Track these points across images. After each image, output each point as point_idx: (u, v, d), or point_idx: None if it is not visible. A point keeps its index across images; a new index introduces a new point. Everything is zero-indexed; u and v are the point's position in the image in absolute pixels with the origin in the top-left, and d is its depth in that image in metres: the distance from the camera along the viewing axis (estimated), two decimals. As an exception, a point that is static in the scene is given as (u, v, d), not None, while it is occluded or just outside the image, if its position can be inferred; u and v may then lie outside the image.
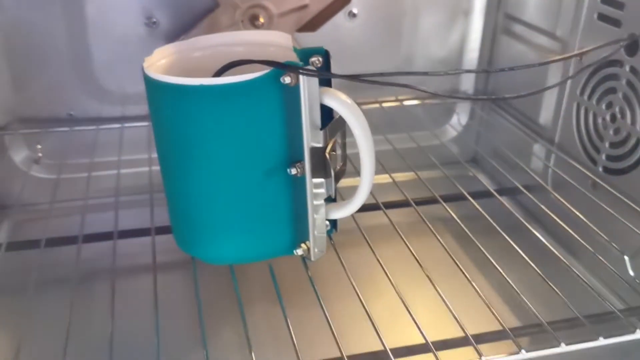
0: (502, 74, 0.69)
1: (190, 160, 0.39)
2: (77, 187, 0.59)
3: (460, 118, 0.73)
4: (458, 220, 0.52)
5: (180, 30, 0.61)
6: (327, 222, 0.43)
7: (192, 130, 0.38)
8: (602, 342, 0.36)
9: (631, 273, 0.44)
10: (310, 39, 0.64)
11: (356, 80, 0.37)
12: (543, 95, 0.60)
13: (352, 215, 0.51)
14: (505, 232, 0.50)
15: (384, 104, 0.70)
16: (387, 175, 0.59)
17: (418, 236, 0.51)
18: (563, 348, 0.36)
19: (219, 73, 0.38)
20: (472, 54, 0.71)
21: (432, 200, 0.58)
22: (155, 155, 0.58)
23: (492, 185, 0.68)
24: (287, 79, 0.37)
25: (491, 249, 0.49)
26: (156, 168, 0.57)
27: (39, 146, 0.63)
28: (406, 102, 0.71)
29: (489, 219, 0.52)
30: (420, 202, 0.60)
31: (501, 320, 0.39)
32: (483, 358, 0.36)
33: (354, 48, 0.68)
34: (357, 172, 0.40)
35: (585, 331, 0.39)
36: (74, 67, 0.61)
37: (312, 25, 0.62)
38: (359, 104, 0.67)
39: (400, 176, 0.63)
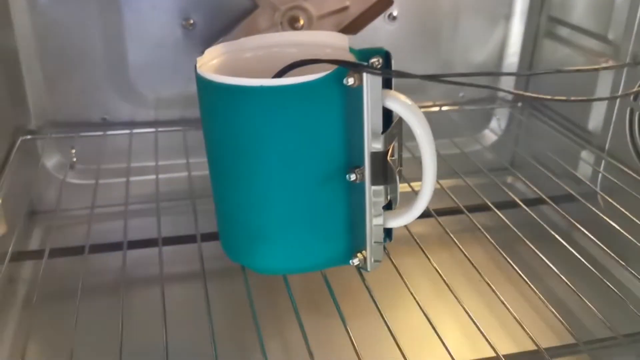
0: (544, 79, 0.67)
1: (244, 164, 0.37)
2: (114, 192, 0.58)
3: (500, 123, 0.71)
4: (514, 228, 0.50)
5: (218, 33, 0.60)
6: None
7: (249, 132, 0.36)
8: None
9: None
10: (351, 42, 0.62)
11: (434, 81, 0.35)
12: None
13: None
14: (549, 241, 0.48)
15: (423, 110, 0.68)
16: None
17: (464, 244, 0.49)
18: None
19: (280, 74, 0.37)
20: (512, 58, 0.69)
21: (474, 208, 0.56)
22: (193, 160, 0.57)
23: (532, 194, 0.66)
24: (350, 80, 0.35)
25: (533, 259, 0.47)
26: (195, 174, 0.56)
27: (73, 150, 0.61)
28: (445, 108, 0.69)
29: (542, 222, 0.50)
30: (456, 211, 0.58)
31: (572, 333, 0.37)
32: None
33: (393, 52, 0.66)
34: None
35: (623, 350, 0.37)
36: (109, 70, 0.60)
37: (353, 27, 0.60)
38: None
39: (443, 183, 0.61)
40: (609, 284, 0.42)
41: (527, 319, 0.41)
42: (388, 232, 0.43)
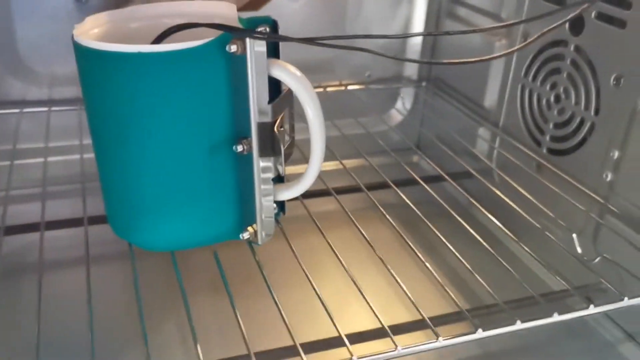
0: (446, 57, 0.69)
1: (126, 136, 0.36)
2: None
3: (405, 103, 0.72)
4: (412, 205, 0.51)
5: (113, 5, 0.57)
6: (275, 205, 0.41)
7: (127, 102, 0.35)
8: (556, 318, 0.36)
9: (579, 250, 0.44)
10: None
11: (312, 44, 0.34)
12: (487, 79, 0.60)
13: (302, 202, 0.49)
14: (451, 216, 0.49)
15: (328, 89, 0.68)
16: (333, 162, 0.58)
17: (366, 222, 0.50)
18: (519, 325, 0.35)
19: (158, 40, 0.35)
20: (416, 39, 0.70)
21: (376, 186, 0.57)
22: (87, 141, 0.55)
23: (437, 172, 0.68)
24: (233, 47, 0.34)
25: (440, 232, 0.48)
26: (88, 156, 0.54)
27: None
28: (350, 87, 0.69)
29: (441, 201, 0.52)
30: (368, 188, 0.59)
31: (456, 302, 0.38)
32: (440, 339, 0.35)
33: (296, 31, 0.65)
34: (305, 159, 0.38)
35: (539, 309, 0.38)
36: (-5, 44, 0.56)
37: (254, 3, 0.60)
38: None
39: (347, 162, 0.62)
40: (496, 255, 0.44)
41: (420, 291, 0.42)
42: (281, 205, 0.43)
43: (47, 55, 0.58)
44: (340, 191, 0.57)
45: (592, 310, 0.37)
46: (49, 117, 0.58)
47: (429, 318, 0.37)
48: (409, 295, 0.39)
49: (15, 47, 0.57)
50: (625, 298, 0.38)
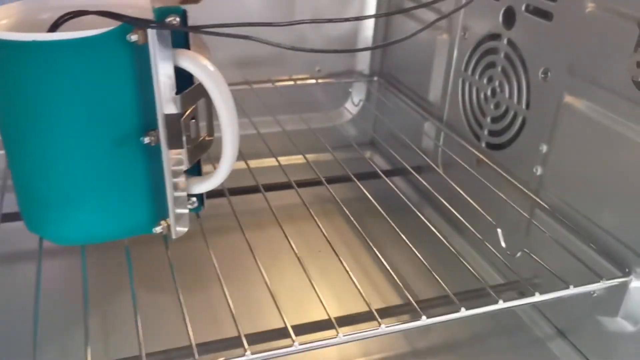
0: (395, 52, 0.68)
1: (30, 127, 0.35)
2: None
3: (354, 99, 0.72)
4: (339, 201, 0.50)
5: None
6: (194, 199, 0.41)
7: (28, 93, 0.34)
8: (463, 313, 0.36)
9: (503, 245, 0.43)
10: (197, 13, 0.61)
11: (197, 32, 0.34)
12: (431, 73, 0.60)
13: (228, 198, 0.49)
14: (397, 213, 0.49)
15: (278, 83, 0.68)
16: (278, 158, 0.57)
17: (307, 219, 0.49)
18: (424, 321, 0.35)
19: (54, 27, 0.35)
20: (367, 32, 0.70)
21: (319, 182, 0.57)
22: None
23: (388, 167, 0.67)
24: (133, 37, 0.34)
25: (380, 230, 0.47)
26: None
27: None
28: (300, 82, 0.69)
29: (372, 199, 0.51)
30: (309, 184, 0.58)
31: (377, 300, 0.38)
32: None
33: (242, 20, 0.65)
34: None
35: (455, 306, 0.38)
36: None
37: (195, -4, 0.59)
38: (251, 83, 0.65)
39: (294, 159, 0.61)
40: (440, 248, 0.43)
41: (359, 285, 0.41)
42: (201, 199, 0.42)
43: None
44: (279, 187, 0.56)
45: (500, 305, 0.36)
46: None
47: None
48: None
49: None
50: (537, 293, 0.37)
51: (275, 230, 0.45)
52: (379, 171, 0.56)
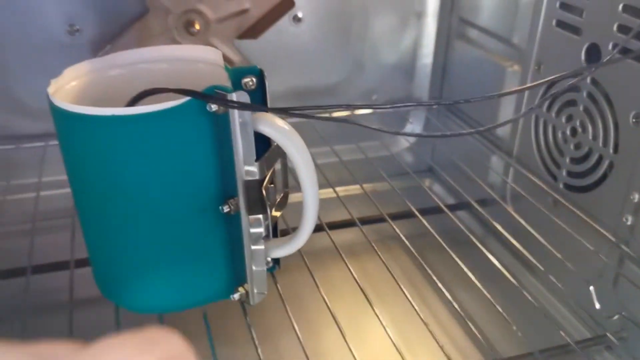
0: (457, 80, 0.66)
1: (106, 199, 0.34)
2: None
3: (414, 128, 0.69)
4: (404, 239, 0.48)
5: (107, 38, 0.56)
6: (269, 259, 0.39)
7: (105, 165, 0.33)
8: None
9: (597, 306, 0.40)
10: (253, 46, 0.59)
11: (285, 114, 0.32)
12: (500, 106, 0.57)
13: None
14: (461, 249, 0.47)
15: (335, 114, 0.66)
16: (332, 190, 0.55)
17: (372, 256, 0.47)
18: None
19: (133, 101, 0.33)
20: (425, 59, 0.67)
21: (382, 219, 0.55)
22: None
23: (449, 199, 0.65)
24: (213, 107, 0.32)
25: (448, 267, 0.45)
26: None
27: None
28: (357, 112, 0.66)
29: (438, 238, 0.49)
30: (371, 220, 0.56)
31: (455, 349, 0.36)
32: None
33: (301, 54, 0.63)
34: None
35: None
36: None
37: (254, 31, 0.57)
38: (307, 116, 0.63)
39: (353, 189, 0.59)
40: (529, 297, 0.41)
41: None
42: (276, 260, 0.40)
43: (40, 89, 0.56)
44: (340, 225, 0.55)
45: None
46: (45, 152, 0.57)
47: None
48: (397, 345, 0.36)
49: (8, 81, 0.55)
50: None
51: (339, 269, 0.43)
52: (443, 206, 0.54)
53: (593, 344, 0.45)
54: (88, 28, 0.55)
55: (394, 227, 0.51)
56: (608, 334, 0.42)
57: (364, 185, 0.57)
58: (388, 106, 0.36)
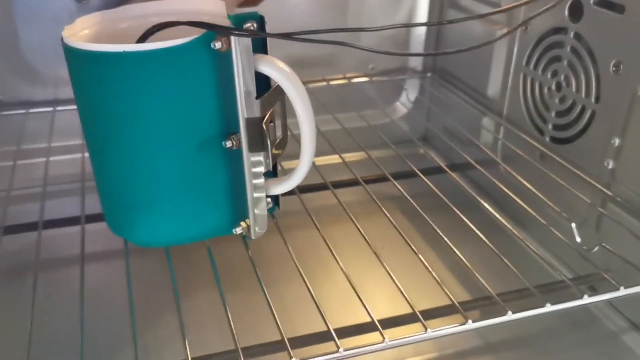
0: (450, 46, 0.68)
1: (116, 135, 0.36)
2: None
3: (409, 95, 0.72)
4: (409, 197, 0.51)
5: (114, 4, 0.58)
6: (269, 199, 0.42)
7: (115, 102, 0.35)
8: (548, 308, 0.36)
9: (578, 240, 0.43)
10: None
11: (288, 39, 0.35)
12: (490, 68, 0.59)
13: (299, 196, 0.49)
14: (456, 208, 0.49)
15: (332, 82, 0.68)
16: (336, 156, 0.58)
17: (368, 215, 0.50)
18: (510, 316, 0.35)
19: (142, 38, 0.36)
20: (420, 29, 0.70)
21: (381, 179, 0.57)
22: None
23: (443, 162, 0.67)
24: (217, 44, 0.34)
25: (443, 225, 0.48)
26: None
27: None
28: (354, 80, 0.69)
29: (440, 193, 0.51)
30: (369, 181, 0.58)
31: (451, 295, 0.38)
32: (429, 331, 0.35)
33: (299, 24, 0.66)
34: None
35: (535, 300, 0.38)
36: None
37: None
38: (307, 83, 0.65)
39: (350, 156, 0.62)
40: (492, 247, 0.43)
41: (416, 285, 0.42)
42: (276, 200, 0.43)
43: (51, 56, 0.59)
44: (341, 185, 0.57)
45: (586, 300, 0.36)
46: (54, 117, 0.59)
47: (421, 311, 0.36)
48: (402, 289, 0.39)
49: (19, 49, 0.58)
50: (622, 287, 0.37)
51: (344, 226, 0.46)
52: (443, 165, 0.56)
53: (580, 283, 0.47)
54: (96, -5, 0.58)
55: (397, 185, 0.53)
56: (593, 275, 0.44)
57: (359, 152, 0.60)
58: (381, 28, 0.37)
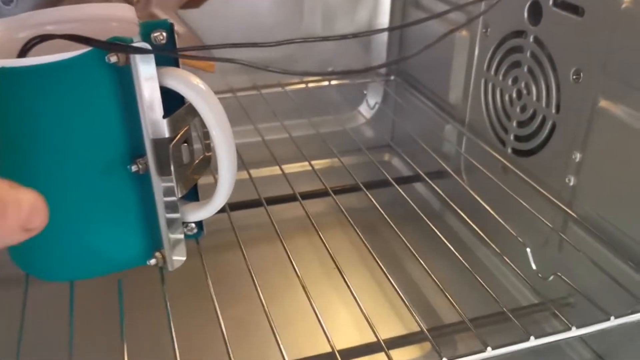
0: (413, 50, 0.64)
1: (7, 158, 0.32)
2: None
3: (369, 100, 0.68)
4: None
5: (44, 7, 0.54)
6: (192, 224, 0.38)
7: (6, 121, 0.31)
8: (532, 343, 0.32)
9: (533, 267, 0.39)
10: (197, 16, 0.58)
11: (174, 55, 0.31)
12: (451, 73, 0.55)
13: (229, 214, 0.45)
14: (418, 222, 0.45)
15: (288, 87, 0.64)
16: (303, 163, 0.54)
17: (326, 229, 0.46)
18: (489, 353, 0.31)
19: (22, 53, 0.32)
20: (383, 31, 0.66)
21: (344, 190, 0.54)
22: None
23: (408, 171, 0.63)
24: (113, 58, 0.30)
25: (400, 241, 0.44)
26: None
27: None
28: (312, 85, 0.65)
29: (382, 211, 0.47)
30: (313, 195, 0.54)
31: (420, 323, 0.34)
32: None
33: (249, 25, 0.62)
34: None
35: (511, 327, 0.34)
36: None
37: (195, 0, 0.56)
38: (259, 88, 0.61)
39: (316, 163, 0.58)
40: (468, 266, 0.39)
41: (379, 309, 0.38)
42: (200, 224, 0.39)
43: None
44: (305, 196, 0.53)
45: (573, 333, 0.33)
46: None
47: (386, 340, 0.33)
48: (366, 315, 0.35)
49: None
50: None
51: (281, 245, 0.42)
52: (390, 179, 0.52)
53: (539, 310, 0.43)
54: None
55: (336, 200, 0.49)
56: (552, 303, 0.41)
57: (319, 161, 0.56)
58: (272, 43, 0.33)
